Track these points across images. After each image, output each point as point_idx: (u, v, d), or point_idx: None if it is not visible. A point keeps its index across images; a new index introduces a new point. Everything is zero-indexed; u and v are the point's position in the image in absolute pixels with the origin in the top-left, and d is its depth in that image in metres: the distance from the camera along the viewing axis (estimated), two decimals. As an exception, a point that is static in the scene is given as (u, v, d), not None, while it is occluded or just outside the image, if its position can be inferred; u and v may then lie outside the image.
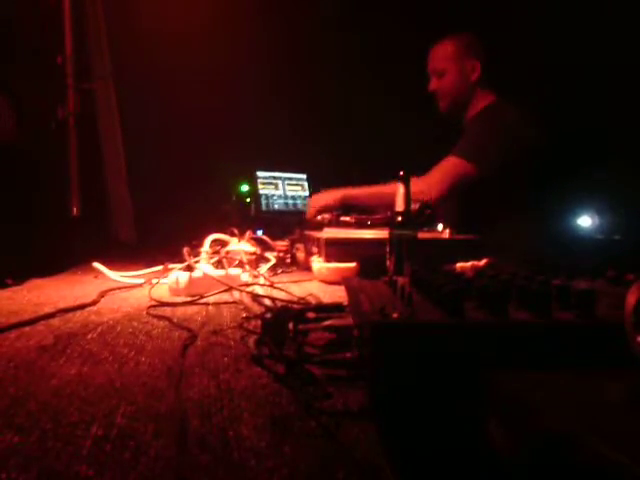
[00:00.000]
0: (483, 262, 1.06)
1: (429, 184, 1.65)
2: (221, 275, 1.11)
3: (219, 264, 1.21)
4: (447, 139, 2.01)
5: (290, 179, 2.71)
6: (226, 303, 1.01)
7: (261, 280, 1.21)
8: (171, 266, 1.21)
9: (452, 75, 1.76)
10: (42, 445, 0.40)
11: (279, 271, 1.47)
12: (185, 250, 1.14)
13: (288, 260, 1.67)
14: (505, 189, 1.62)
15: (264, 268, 1.38)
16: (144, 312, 0.92)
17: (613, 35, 2.17)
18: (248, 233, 1.50)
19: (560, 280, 0.54)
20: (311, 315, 0.67)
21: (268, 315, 0.69)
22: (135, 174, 2.66)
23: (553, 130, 1.78)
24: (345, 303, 0.68)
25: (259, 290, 1.09)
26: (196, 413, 0.47)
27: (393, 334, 0.40)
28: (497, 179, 1.61)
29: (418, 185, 1.63)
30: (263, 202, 2.58)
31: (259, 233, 1.76)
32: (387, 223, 1.12)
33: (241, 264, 1.29)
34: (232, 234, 1.43)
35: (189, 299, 1.03)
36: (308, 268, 1.43)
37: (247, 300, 1.02)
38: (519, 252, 1.46)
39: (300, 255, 1.61)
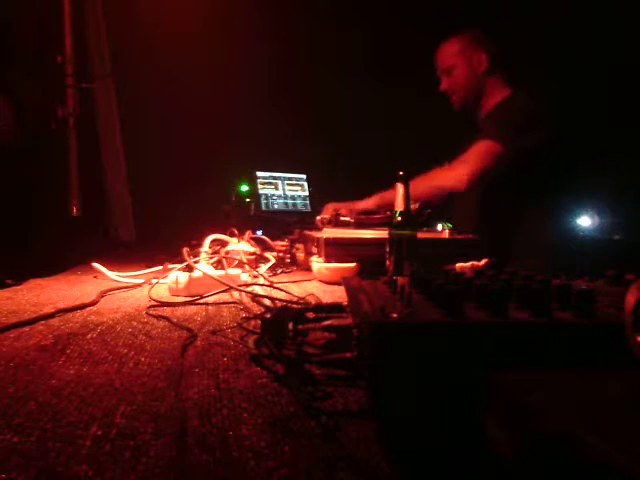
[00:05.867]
0: (483, 262, 1.06)
1: (457, 170, 1.63)
2: (221, 275, 1.11)
3: (219, 264, 1.21)
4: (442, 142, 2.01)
5: (290, 179, 2.72)
6: (226, 303, 1.01)
7: (261, 280, 1.21)
8: (171, 266, 1.21)
9: (461, 69, 1.77)
10: (42, 445, 0.40)
11: (279, 271, 1.47)
12: (185, 250, 1.14)
13: (288, 260, 1.67)
14: (522, 185, 1.60)
15: (264, 268, 1.38)
16: (144, 312, 0.92)
17: (613, 35, 2.17)
18: (248, 233, 1.50)
19: (560, 280, 0.54)
20: (311, 315, 0.67)
21: (268, 315, 0.69)
22: (135, 174, 2.66)
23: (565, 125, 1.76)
24: (345, 303, 0.68)
25: (259, 290, 1.09)
26: (196, 413, 0.46)
27: (393, 334, 0.40)
28: (517, 173, 1.58)
29: (447, 174, 1.67)
30: (263, 202, 2.58)
31: (259, 233, 1.76)
32: (387, 223, 1.12)
33: (241, 264, 1.29)
34: (232, 234, 1.43)
35: (189, 299, 1.03)
36: (308, 268, 1.43)
37: (247, 300, 1.02)
38: (529, 252, 1.45)
39: (300, 255, 1.61)
